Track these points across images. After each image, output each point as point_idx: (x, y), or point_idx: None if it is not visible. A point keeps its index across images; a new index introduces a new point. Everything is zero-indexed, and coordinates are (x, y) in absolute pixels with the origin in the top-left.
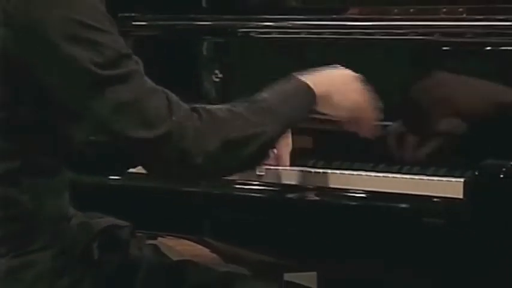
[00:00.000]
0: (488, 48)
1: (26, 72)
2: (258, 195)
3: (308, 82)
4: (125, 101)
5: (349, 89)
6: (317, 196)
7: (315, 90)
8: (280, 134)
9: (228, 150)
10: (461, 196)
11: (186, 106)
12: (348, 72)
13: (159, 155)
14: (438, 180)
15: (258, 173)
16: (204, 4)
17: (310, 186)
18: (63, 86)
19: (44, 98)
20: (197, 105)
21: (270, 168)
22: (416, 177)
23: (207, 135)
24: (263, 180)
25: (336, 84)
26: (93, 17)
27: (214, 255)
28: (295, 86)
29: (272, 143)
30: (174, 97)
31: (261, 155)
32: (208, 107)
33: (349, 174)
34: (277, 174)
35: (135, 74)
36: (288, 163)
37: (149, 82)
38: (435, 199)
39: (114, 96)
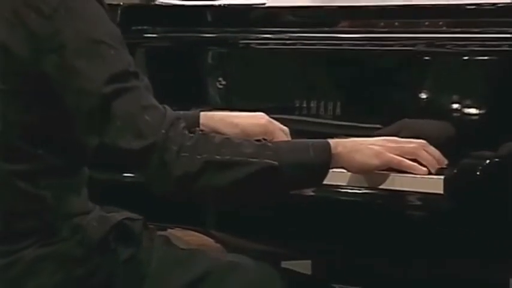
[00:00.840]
0: (466, 57)
1: (43, 82)
2: None
3: (331, 142)
4: (120, 114)
5: (371, 152)
6: (312, 192)
7: (333, 150)
8: (277, 171)
9: (209, 170)
10: (441, 192)
11: (183, 126)
12: (376, 139)
13: (143, 164)
14: (421, 177)
15: None
16: (209, 18)
17: None
18: (71, 95)
19: (59, 105)
20: (201, 131)
21: None
22: (402, 175)
23: (192, 153)
24: None
25: (359, 147)
26: (105, 34)
27: (218, 245)
28: (315, 141)
29: (264, 175)
30: (173, 116)
31: (247, 184)
32: (212, 134)
33: (340, 172)
34: None
35: (135, 90)
36: None
37: (148, 99)
38: (419, 194)
39: (111, 108)
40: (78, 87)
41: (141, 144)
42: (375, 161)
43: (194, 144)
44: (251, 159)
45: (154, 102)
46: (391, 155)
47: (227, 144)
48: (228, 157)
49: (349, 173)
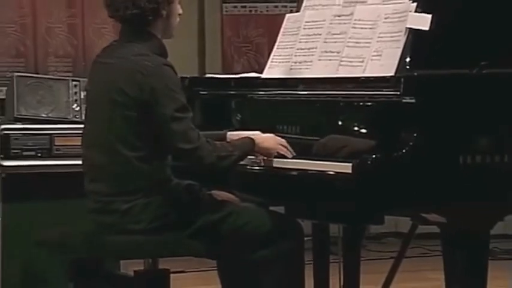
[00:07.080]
0: (361, 103)
1: (145, 109)
2: (257, 171)
3: (252, 137)
4: (181, 130)
5: (268, 141)
6: (286, 171)
7: (255, 141)
8: (242, 157)
9: (219, 160)
10: (350, 171)
11: (205, 138)
12: (269, 135)
13: (190, 158)
14: (339, 164)
15: (257, 161)
16: (232, 84)
17: (282, 167)
18: (156, 118)
19: (152, 122)
20: (208, 139)
21: (264, 159)
22: (328, 162)
23: (211, 152)
24: (260, 164)
25: (262, 138)
26: (175, 86)
27: (237, 198)
28: (247, 138)
29: (239, 160)
30: (201, 133)
31: (233, 165)
32: (213, 141)
33: (297, 161)
34: (267, 161)
35: (189, 117)
36: (272, 157)
37: (192, 123)
38: (337, 173)
39: (178, 126)
40: (160, 114)
41: (190, 147)
42: (274, 147)
43: (212, 148)
44: (231, 153)
45: (193, 125)
46: (280, 146)
47: (220, 147)
48: (224, 153)
49: (300, 162)
